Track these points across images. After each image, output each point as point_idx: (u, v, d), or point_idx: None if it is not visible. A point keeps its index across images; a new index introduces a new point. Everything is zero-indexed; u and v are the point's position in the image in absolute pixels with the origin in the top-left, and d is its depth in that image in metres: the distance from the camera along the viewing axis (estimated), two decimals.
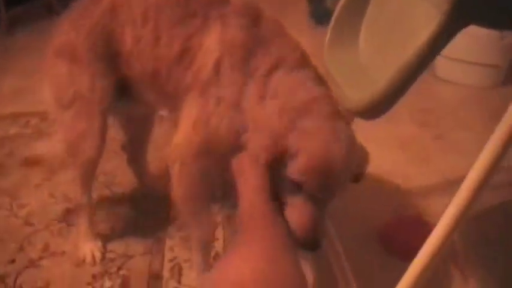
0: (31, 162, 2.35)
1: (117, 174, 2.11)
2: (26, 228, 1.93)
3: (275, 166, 1.07)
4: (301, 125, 1.11)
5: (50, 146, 2.44)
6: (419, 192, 2.01)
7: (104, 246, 1.83)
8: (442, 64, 2.96)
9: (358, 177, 1.25)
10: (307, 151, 1.06)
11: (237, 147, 1.20)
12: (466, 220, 1.12)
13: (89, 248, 1.78)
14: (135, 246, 1.81)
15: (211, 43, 1.31)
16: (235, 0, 1.37)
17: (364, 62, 1.34)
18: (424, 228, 1.54)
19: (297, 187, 1.07)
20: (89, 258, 1.76)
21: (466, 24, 1.03)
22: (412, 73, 1.09)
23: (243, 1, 1.37)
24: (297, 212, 1.08)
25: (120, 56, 1.49)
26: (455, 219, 1.10)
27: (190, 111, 1.33)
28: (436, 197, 1.96)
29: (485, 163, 1.05)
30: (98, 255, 1.77)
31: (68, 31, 1.56)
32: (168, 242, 1.83)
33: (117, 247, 1.81)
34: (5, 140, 2.58)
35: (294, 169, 1.07)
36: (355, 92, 1.22)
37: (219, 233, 1.85)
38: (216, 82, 1.29)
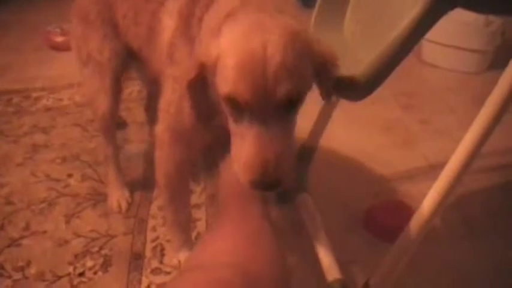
0: (12, 141, 2.33)
1: (100, 153, 2.09)
2: (7, 207, 1.91)
3: (201, 90, 1.00)
4: (220, 32, 0.98)
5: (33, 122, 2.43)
6: (403, 176, 2.02)
7: (131, 196, 1.93)
8: (427, 48, 2.97)
9: (324, 84, 1.07)
10: (224, 52, 0.92)
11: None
12: (447, 204, 1.13)
13: (116, 197, 1.89)
14: (118, 225, 1.80)
15: (166, 19, 1.28)
16: None
17: (349, 43, 1.34)
18: (406, 212, 1.56)
19: (236, 110, 0.92)
20: (115, 207, 1.87)
21: (451, 7, 1.03)
22: (397, 54, 1.08)
23: None
24: (242, 139, 0.93)
25: (118, 26, 1.54)
26: (437, 203, 1.11)
27: (161, 98, 1.31)
28: (419, 181, 1.97)
29: (468, 148, 1.06)
30: (124, 204, 1.89)
31: None
32: (151, 222, 1.82)
33: (99, 226, 1.80)
34: None
35: (219, 79, 0.94)
36: (341, 71, 1.21)
37: (202, 213, 1.85)
38: (170, 61, 1.25)
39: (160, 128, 1.32)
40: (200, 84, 0.99)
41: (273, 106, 0.89)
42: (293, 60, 0.89)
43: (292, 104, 0.92)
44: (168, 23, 1.25)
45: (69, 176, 2.07)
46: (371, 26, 1.28)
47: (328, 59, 1.01)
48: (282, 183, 0.91)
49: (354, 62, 1.17)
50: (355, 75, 1.11)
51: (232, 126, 0.96)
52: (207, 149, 1.64)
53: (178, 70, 1.20)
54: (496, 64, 2.91)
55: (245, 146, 0.91)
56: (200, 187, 1.98)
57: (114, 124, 1.83)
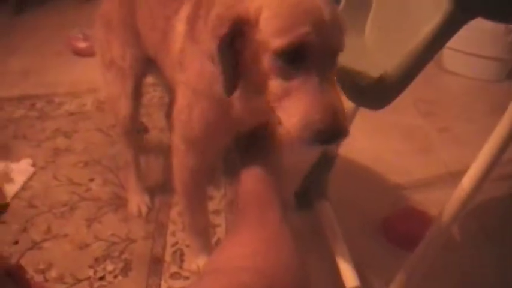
0: (36, 145, 2.36)
1: (121, 158, 2.11)
2: (30, 210, 1.94)
3: (239, 46, 0.91)
4: None
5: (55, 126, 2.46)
6: (422, 183, 2.01)
7: (152, 201, 1.95)
8: (448, 56, 2.96)
9: None
10: (272, 2, 0.88)
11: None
12: (466, 212, 1.13)
13: (136, 202, 1.92)
14: (138, 230, 1.82)
15: (178, 25, 1.25)
16: None
17: (370, 48, 1.34)
18: (425, 220, 1.56)
19: (289, 63, 0.87)
20: (135, 212, 1.90)
21: (472, 17, 1.03)
22: (418, 63, 1.09)
23: None
24: (297, 95, 0.87)
25: (139, 32, 1.55)
26: (455, 211, 1.11)
27: (174, 106, 1.29)
28: (438, 188, 1.96)
29: (488, 156, 1.06)
30: (144, 209, 1.92)
31: (108, 2, 1.64)
32: (171, 227, 1.84)
33: (119, 231, 1.82)
34: (10, 122, 2.59)
35: (266, 33, 0.87)
36: (361, 79, 1.21)
37: (221, 220, 1.86)
38: (180, 67, 1.23)
39: (174, 137, 1.33)
40: (229, 45, 0.91)
41: (333, 53, 0.88)
42: (335, 10, 0.89)
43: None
44: (180, 30, 1.24)
45: (91, 180, 2.10)
46: (392, 32, 1.28)
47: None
48: (347, 135, 0.87)
49: (375, 69, 1.17)
50: (377, 83, 1.11)
51: (279, 85, 0.89)
52: (227, 154, 1.65)
53: (186, 75, 1.19)
54: None
55: (306, 97, 0.86)
56: (220, 193, 1.99)
57: (135, 129, 1.85)
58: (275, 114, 0.93)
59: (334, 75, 0.91)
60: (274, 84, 0.89)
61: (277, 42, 0.85)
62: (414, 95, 2.57)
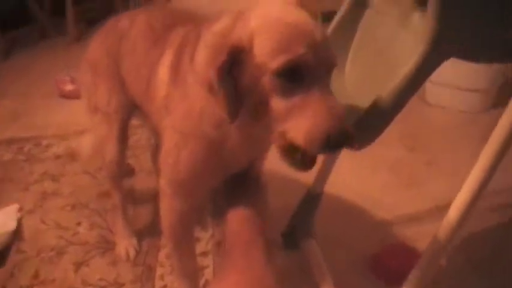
0: (24, 188, 2.36)
1: (108, 201, 2.09)
2: (17, 255, 1.93)
3: (236, 73, 0.95)
4: (235, 25, 0.97)
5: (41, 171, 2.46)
6: (410, 218, 2.02)
7: (139, 244, 1.94)
8: (431, 89, 2.99)
9: None
10: (263, 27, 0.93)
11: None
12: (452, 245, 1.14)
13: (124, 245, 1.91)
14: (126, 274, 1.81)
15: (161, 72, 1.29)
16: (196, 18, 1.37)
17: (350, 88, 1.37)
18: (414, 255, 1.56)
19: (290, 82, 0.91)
20: (123, 255, 1.88)
21: (447, 57, 1.06)
22: (396, 103, 1.10)
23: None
24: (300, 110, 0.91)
25: (124, 81, 1.58)
26: (443, 244, 1.13)
27: (161, 149, 1.31)
28: (426, 222, 1.97)
29: (471, 187, 1.08)
30: (132, 252, 1.91)
31: (95, 47, 1.67)
32: (159, 270, 1.83)
33: (108, 275, 1.81)
34: None
35: (261, 56, 0.91)
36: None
37: (209, 261, 1.85)
38: (166, 112, 1.25)
39: (161, 180, 1.33)
40: (227, 73, 0.95)
41: (328, 68, 0.93)
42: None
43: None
44: (163, 76, 1.27)
45: (78, 224, 2.09)
46: (370, 73, 1.31)
47: None
48: (354, 138, 0.92)
49: (355, 111, 1.19)
50: (357, 124, 1.13)
51: (281, 104, 0.92)
52: (214, 196, 1.66)
53: (172, 119, 1.21)
54: (499, 102, 2.92)
55: (311, 110, 0.90)
56: (208, 234, 1.98)
57: (122, 172, 1.86)
58: (273, 142, 0.98)
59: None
60: (277, 104, 0.93)
61: (275, 63, 0.89)
62: (399, 130, 2.59)
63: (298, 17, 0.92)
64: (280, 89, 0.92)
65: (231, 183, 1.25)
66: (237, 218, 1.09)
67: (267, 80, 0.92)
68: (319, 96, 0.90)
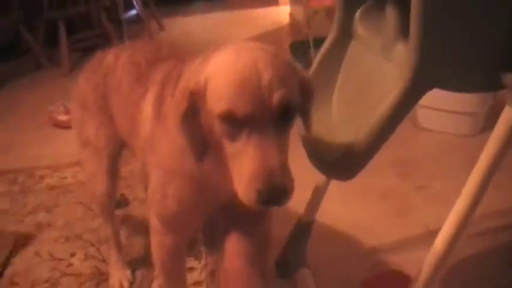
0: (18, 220, 2.37)
1: (102, 232, 2.11)
2: (11, 287, 1.93)
3: (195, 119, 1.00)
4: (200, 67, 1.01)
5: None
6: (402, 244, 2.02)
7: (133, 275, 1.95)
8: (422, 113, 3.02)
9: (306, 109, 1.09)
10: (214, 73, 0.96)
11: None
12: (444, 270, 1.15)
13: (117, 276, 1.91)
14: None
15: (145, 109, 1.32)
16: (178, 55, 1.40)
17: (336, 120, 1.39)
18: (405, 281, 1.57)
19: (233, 127, 0.93)
20: (117, 287, 1.88)
21: (429, 89, 1.08)
22: (381, 134, 1.13)
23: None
24: (241, 157, 0.93)
25: (113, 117, 1.58)
26: (433, 269, 1.14)
27: (149, 187, 1.33)
28: (418, 248, 1.96)
29: (461, 212, 1.10)
30: (125, 283, 1.90)
31: (82, 83, 1.69)
32: None
33: None
34: None
35: (211, 101, 0.95)
36: (328, 153, 1.25)
37: None
38: (151, 149, 1.28)
39: (151, 215, 1.35)
40: (192, 117, 1.00)
41: (270, 115, 0.92)
42: (282, 72, 0.95)
43: (286, 115, 0.95)
44: (147, 113, 1.30)
45: (72, 255, 2.09)
46: (356, 105, 1.33)
47: (308, 81, 1.06)
48: (288, 193, 0.91)
49: (340, 143, 1.21)
50: (342, 157, 1.15)
51: (229, 148, 0.96)
52: (206, 226, 1.66)
53: (156, 156, 1.24)
54: (489, 125, 2.93)
55: (247, 160, 0.91)
56: (201, 264, 1.98)
57: (113, 205, 1.86)
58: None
59: (287, 130, 0.98)
60: (226, 146, 0.96)
61: (218, 109, 0.93)
62: (390, 155, 2.60)
63: (248, 62, 0.93)
64: (225, 133, 0.95)
65: (230, 212, 1.25)
66: (236, 252, 1.08)
67: (216, 124, 0.96)
68: (255, 146, 0.91)
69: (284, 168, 0.91)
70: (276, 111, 0.92)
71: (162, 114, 1.20)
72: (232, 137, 0.94)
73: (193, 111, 1.00)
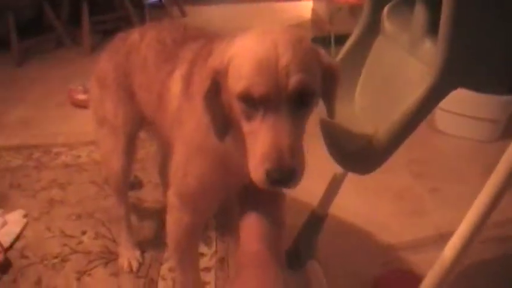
0: (31, 195, 2.38)
1: (113, 212, 2.11)
2: (21, 260, 1.95)
3: (218, 97, 1.02)
4: (226, 48, 1.03)
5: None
6: (413, 245, 2.01)
7: (142, 256, 1.96)
8: (441, 116, 3.00)
9: (330, 94, 1.09)
10: (237, 54, 0.98)
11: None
12: (454, 273, 1.14)
13: (127, 257, 1.92)
14: (128, 285, 1.82)
15: (173, 86, 1.33)
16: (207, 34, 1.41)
17: (359, 114, 1.38)
18: (414, 282, 1.56)
19: (249, 107, 0.95)
20: (126, 267, 1.89)
21: (454, 87, 1.07)
22: (404, 130, 1.12)
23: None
24: (255, 137, 0.95)
25: (134, 94, 1.60)
26: (444, 272, 1.13)
27: (171, 162, 1.34)
28: (429, 250, 1.96)
29: (475, 217, 1.08)
30: (134, 264, 1.92)
31: (104, 61, 1.69)
32: (160, 283, 1.83)
33: (109, 285, 1.82)
34: (7, 172, 2.62)
35: (232, 81, 0.97)
36: (349, 145, 1.25)
37: (211, 277, 1.85)
38: (178, 124, 1.29)
39: (170, 193, 1.35)
40: (215, 95, 1.02)
41: (286, 98, 0.93)
42: (303, 58, 0.95)
43: (303, 100, 0.95)
44: (175, 90, 1.31)
45: (83, 233, 2.11)
46: (379, 100, 1.32)
47: (334, 67, 1.06)
48: (297, 175, 0.92)
49: (362, 136, 1.21)
50: (363, 150, 1.15)
51: (246, 126, 0.97)
52: (219, 212, 1.66)
53: (182, 132, 1.25)
54: (508, 133, 2.92)
55: (260, 140, 0.93)
56: (211, 250, 1.99)
57: (127, 185, 1.88)
58: None
59: (304, 115, 0.98)
60: (244, 125, 0.98)
61: (237, 88, 0.95)
62: (407, 156, 2.59)
63: (269, 45, 0.94)
64: (243, 112, 0.97)
65: (244, 193, 1.25)
66: (253, 235, 1.08)
67: (235, 103, 0.97)
68: (268, 126, 0.93)
69: (295, 151, 0.92)
70: (291, 95, 0.93)
71: (190, 92, 1.21)
72: (249, 117, 0.96)
73: (216, 90, 1.02)
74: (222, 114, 1.04)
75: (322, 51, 1.05)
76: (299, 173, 0.92)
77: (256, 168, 0.93)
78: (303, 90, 0.93)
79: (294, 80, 0.92)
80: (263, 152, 0.91)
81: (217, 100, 1.03)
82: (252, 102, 0.94)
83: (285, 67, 0.92)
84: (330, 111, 1.13)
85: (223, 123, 1.05)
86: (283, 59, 0.92)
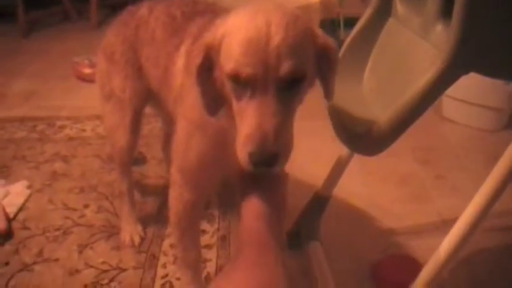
0: (34, 167, 2.39)
1: (117, 186, 2.11)
2: (23, 231, 1.96)
3: (209, 73, 1.01)
4: (221, 23, 1.01)
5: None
6: (415, 230, 2.01)
7: (144, 231, 1.96)
8: (447, 104, 2.98)
9: (327, 77, 1.07)
10: (230, 31, 0.96)
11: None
12: (456, 260, 1.14)
13: (129, 231, 1.92)
14: (129, 259, 1.83)
15: (178, 61, 1.33)
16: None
17: (367, 96, 1.37)
18: (415, 267, 1.56)
19: (239, 86, 0.94)
20: (128, 241, 1.90)
21: (465, 72, 1.06)
22: (412, 113, 1.11)
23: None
24: (242, 117, 0.94)
25: (141, 68, 1.60)
26: (445, 259, 1.12)
27: (174, 139, 1.34)
28: (431, 236, 1.95)
29: (479, 205, 1.08)
30: (137, 239, 1.92)
31: (112, 35, 1.68)
32: (162, 259, 1.84)
33: (111, 259, 1.82)
34: (11, 143, 2.62)
35: (223, 58, 0.96)
36: (356, 126, 1.24)
37: (213, 254, 1.86)
38: (181, 100, 1.29)
39: (172, 169, 1.36)
40: (207, 71, 1.01)
41: (274, 81, 0.91)
42: (295, 39, 0.93)
43: (294, 82, 0.94)
44: (179, 65, 1.31)
45: (86, 206, 2.11)
46: (388, 82, 1.31)
47: (329, 48, 1.03)
48: (280, 160, 0.92)
49: (370, 117, 1.20)
50: (370, 131, 1.14)
51: (235, 105, 0.97)
52: (221, 189, 1.67)
53: (183, 107, 1.26)
54: None
55: (245, 120, 0.93)
56: (213, 227, 1.99)
57: (131, 160, 1.88)
58: None
59: (294, 98, 0.96)
60: (234, 103, 0.97)
61: (227, 67, 0.94)
62: (412, 142, 2.58)
63: (261, 24, 0.91)
64: (233, 91, 0.96)
65: (246, 172, 1.25)
66: (254, 213, 1.07)
67: (226, 81, 0.97)
68: (253, 108, 0.91)
69: (280, 134, 0.91)
70: (281, 78, 0.91)
71: (190, 67, 1.19)
72: (239, 96, 0.95)
73: (209, 65, 1.01)
74: (214, 90, 1.03)
75: (318, 30, 1.03)
76: (282, 157, 0.92)
77: (241, 149, 0.93)
78: (293, 74, 0.92)
79: (285, 63, 0.91)
80: (246, 134, 0.91)
81: (209, 76, 1.02)
82: (240, 82, 0.93)
83: (275, 48, 0.90)
84: (327, 92, 1.10)
85: (215, 99, 1.04)
86: (274, 39, 0.90)
